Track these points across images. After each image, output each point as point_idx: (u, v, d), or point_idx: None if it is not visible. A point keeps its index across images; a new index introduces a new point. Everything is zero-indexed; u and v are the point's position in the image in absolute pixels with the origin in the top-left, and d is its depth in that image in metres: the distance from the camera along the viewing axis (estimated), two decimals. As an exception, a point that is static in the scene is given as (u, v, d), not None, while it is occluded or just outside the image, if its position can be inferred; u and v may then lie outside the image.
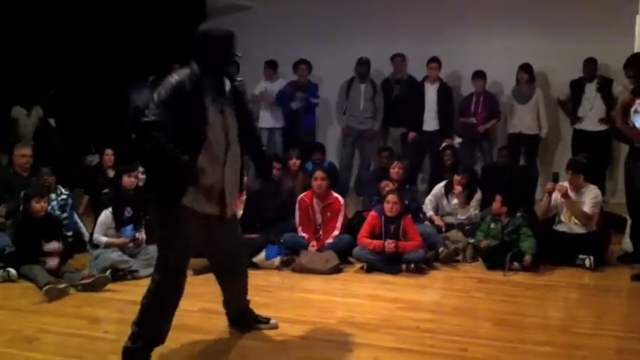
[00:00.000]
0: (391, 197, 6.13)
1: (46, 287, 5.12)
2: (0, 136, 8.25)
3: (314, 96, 9.23)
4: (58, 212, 6.53)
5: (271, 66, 9.41)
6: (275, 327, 4.42)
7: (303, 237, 6.36)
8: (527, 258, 5.94)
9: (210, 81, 3.67)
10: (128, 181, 6.41)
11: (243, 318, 4.39)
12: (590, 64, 8.39)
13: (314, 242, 6.28)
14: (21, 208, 5.96)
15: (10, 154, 7.19)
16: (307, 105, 9.16)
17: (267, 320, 4.44)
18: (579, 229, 6.26)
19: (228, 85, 3.83)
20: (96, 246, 5.93)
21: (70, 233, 6.49)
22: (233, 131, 3.79)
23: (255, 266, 6.08)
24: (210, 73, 3.67)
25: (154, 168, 3.67)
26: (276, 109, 9.37)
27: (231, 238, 4.11)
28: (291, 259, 6.13)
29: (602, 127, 8.32)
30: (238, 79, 3.95)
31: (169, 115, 3.47)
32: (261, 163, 4.24)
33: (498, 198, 6.29)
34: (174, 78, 3.56)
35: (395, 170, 7.12)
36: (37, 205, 5.80)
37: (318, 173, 6.49)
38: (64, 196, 6.73)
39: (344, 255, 6.19)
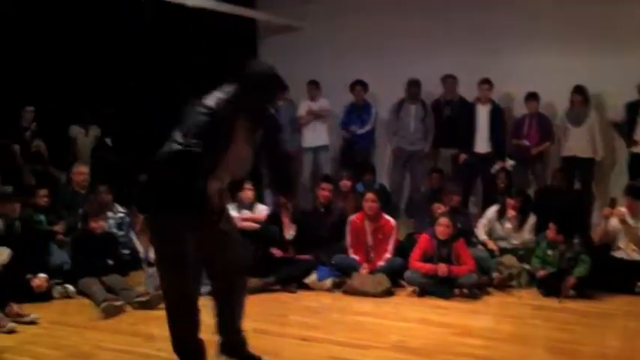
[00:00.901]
0: (443, 220, 6.09)
1: (103, 304, 5.24)
2: (59, 155, 8.46)
3: (367, 119, 9.22)
4: (115, 230, 6.67)
5: (314, 86, 9.48)
6: None
7: (355, 259, 6.35)
8: (571, 279, 5.81)
9: (245, 110, 3.67)
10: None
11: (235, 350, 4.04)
12: (646, 86, 8.23)
13: (365, 264, 6.26)
14: (79, 226, 6.12)
15: (68, 172, 7.39)
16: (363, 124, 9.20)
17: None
18: (638, 256, 6.11)
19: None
20: (151, 264, 6.03)
21: (126, 251, 6.63)
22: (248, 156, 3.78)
23: (307, 287, 6.11)
24: (246, 106, 3.67)
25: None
26: (320, 126, 9.42)
27: (229, 241, 3.93)
28: (342, 280, 6.13)
29: (660, 151, 8.13)
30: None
31: (202, 137, 3.46)
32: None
33: (552, 227, 6.17)
34: (214, 100, 3.57)
35: (454, 198, 7.10)
36: (95, 224, 5.94)
37: (369, 195, 6.49)
38: (120, 214, 6.88)
39: (395, 278, 6.15)
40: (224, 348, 3.99)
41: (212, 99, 3.58)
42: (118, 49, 8.91)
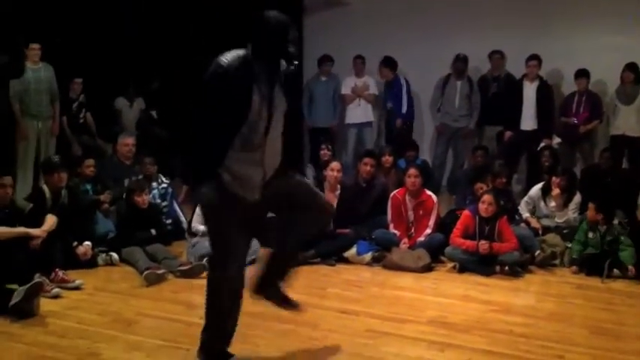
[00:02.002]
0: (487, 197, 6.02)
1: (146, 272, 5.33)
2: (105, 127, 8.59)
3: (398, 93, 9.11)
4: (158, 200, 6.78)
5: (360, 60, 9.39)
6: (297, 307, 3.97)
7: (395, 234, 6.34)
8: (632, 269, 5.71)
9: (261, 68, 3.47)
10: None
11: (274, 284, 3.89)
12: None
13: (406, 239, 6.25)
14: (124, 197, 6.23)
15: (114, 144, 7.51)
16: (398, 104, 9.10)
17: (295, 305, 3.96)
18: (686, 238, 5.97)
19: (281, 73, 3.61)
20: (194, 234, 6.11)
21: (169, 221, 6.73)
22: (277, 120, 3.56)
23: (347, 261, 6.13)
24: (261, 59, 3.48)
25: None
26: (365, 103, 9.35)
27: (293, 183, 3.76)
28: (382, 255, 6.13)
29: None
30: (291, 66, 3.66)
31: (213, 98, 3.39)
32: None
33: (592, 206, 6.04)
34: (223, 61, 3.42)
35: (499, 181, 6.98)
36: (139, 199, 6.04)
37: (412, 171, 6.45)
38: (164, 185, 6.98)
39: (436, 254, 6.13)
40: (265, 280, 3.83)
41: (222, 60, 3.43)
42: (164, 22, 8.97)
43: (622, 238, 5.89)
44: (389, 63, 9.10)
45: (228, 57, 3.44)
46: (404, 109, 9.10)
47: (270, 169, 3.60)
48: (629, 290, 5.47)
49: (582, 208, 6.61)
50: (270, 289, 3.87)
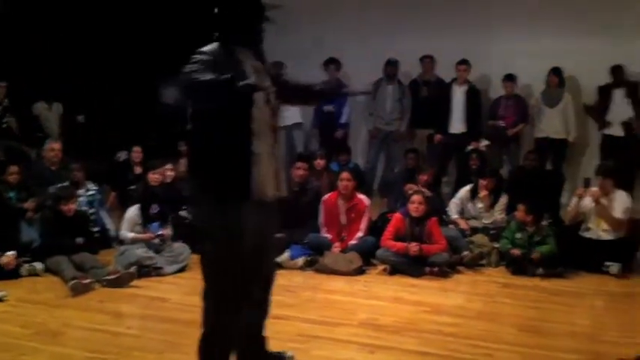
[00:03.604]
0: (416, 197, 6.11)
1: (72, 282, 5.19)
2: (28, 131, 8.34)
3: (342, 101, 9.13)
4: (85, 208, 6.59)
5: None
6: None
7: (327, 237, 6.35)
8: (535, 253, 5.91)
9: (244, 51, 3.25)
10: (154, 177, 6.48)
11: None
12: (618, 70, 8.29)
13: (338, 243, 6.27)
14: (49, 204, 6.05)
15: (38, 149, 7.30)
16: (338, 111, 9.12)
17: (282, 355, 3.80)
18: (607, 236, 6.19)
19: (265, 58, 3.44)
20: (122, 242, 5.99)
21: (96, 229, 6.56)
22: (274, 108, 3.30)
23: (279, 266, 6.08)
24: (241, 42, 3.26)
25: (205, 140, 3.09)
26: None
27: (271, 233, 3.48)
28: (314, 259, 6.13)
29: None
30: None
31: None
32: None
33: (521, 207, 6.20)
34: (203, 52, 3.11)
35: (424, 177, 7.09)
36: (66, 208, 5.88)
37: (345, 174, 6.48)
38: (92, 192, 6.81)
39: (367, 257, 6.17)
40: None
41: (201, 53, 3.12)
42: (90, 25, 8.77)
43: (548, 239, 6.06)
44: (336, 62, 9.11)
45: (206, 49, 3.14)
46: (344, 118, 9.14)
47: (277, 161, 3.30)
48: (555, 288, 5.63)
49: (509, 209, 6.78)
50: None
